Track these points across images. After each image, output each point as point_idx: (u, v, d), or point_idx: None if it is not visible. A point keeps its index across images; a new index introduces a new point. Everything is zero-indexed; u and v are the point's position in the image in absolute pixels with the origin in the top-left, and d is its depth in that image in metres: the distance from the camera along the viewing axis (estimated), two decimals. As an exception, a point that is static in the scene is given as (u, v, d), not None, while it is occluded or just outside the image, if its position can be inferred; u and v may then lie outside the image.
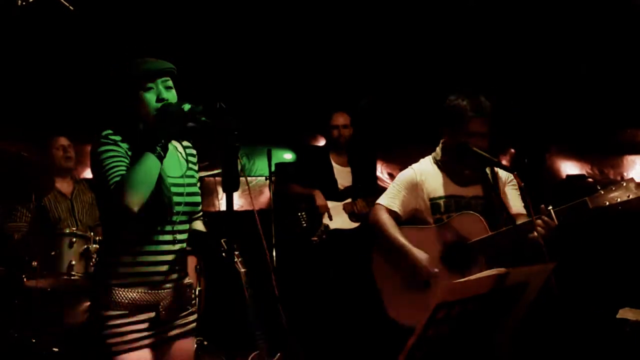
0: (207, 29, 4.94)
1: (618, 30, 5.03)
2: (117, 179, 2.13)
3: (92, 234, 3.98)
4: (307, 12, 5.01)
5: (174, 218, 2.29)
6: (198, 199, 2.42)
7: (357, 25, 5.21)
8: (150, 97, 2.25)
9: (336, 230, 4.64)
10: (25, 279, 3.78)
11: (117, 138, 2.22)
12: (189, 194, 2.36)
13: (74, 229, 3.99)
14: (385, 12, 5.06)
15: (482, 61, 5.39)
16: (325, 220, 4.64)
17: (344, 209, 4.72)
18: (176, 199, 2.29)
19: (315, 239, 4.58)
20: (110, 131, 2.24)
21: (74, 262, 3.83)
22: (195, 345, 2.47)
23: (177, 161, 2.41)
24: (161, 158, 2.17)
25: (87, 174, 6.05)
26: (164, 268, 2.30)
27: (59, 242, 3.86)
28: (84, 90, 5.35)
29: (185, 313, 2.40)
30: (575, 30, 5.11)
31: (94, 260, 3.89)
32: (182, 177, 2.37)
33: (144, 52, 2.33)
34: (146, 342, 2.26)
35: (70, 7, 3.70)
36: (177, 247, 2.33)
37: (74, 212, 4.33)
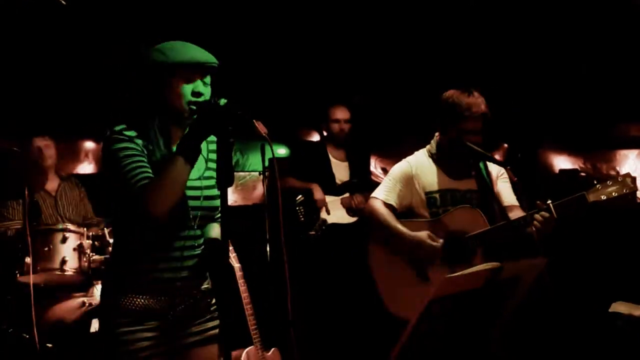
0: (202, 22, 4.92)
1: (613, 27, 5.04)
2: (144, 182, 1.98)
3: (85, 229, 3.97)
4: (302, 6, 4.99)
5: (190, 224, 2.14)
6: (218, 202, 2.16)
7: (352, 20, 5.20)
8: (187, 88, 2.05)
9: (334, 224, 4.63)
10: (18, 275, 3.76)
11: (132, 134, 2.04)
12: (207, 198, 2.17)
13: (67, 224, 3.97)
14: (380, 6, 5.05)
15: (475, 56, 5.40)
16: (323, 214, 4.64)
17: (341, 203, 4.71)
18: (192, 203, 2.12)
19: (313, 233, 4.58)
20: (123, 126, 2.05)
21: (67, 258, 3.82)
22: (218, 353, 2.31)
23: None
24: (193, 162, 2.00)
25: (76, 169, 6.05)
26: (179, 275, 2.14)
27: (52, 237, 3.85)
28: (69, 88, 5.34)
29: (202, 320, 2.25)
30: (568, 27, 5.12)
31: (87, 255, 3.88)
32: (199, 179, 2.15)
33: (137, 45, 2.21)
34: (158, 350, 2.12)
35: (63, 1, 3.68)
36: (192, 253, 2.17)
37: (58, 209, 4.33)
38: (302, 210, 4.67)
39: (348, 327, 4.51)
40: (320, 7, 5.02)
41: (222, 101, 1.97)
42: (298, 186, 4.69)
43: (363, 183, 4.78)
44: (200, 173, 2.18)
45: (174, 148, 2.11)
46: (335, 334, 4.53)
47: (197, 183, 2.14)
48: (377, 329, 3.31)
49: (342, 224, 4.66)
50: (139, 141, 2.05)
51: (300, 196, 4.68)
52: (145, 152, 2.05)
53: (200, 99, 2.07)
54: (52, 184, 4.41)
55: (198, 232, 2.19)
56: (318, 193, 4.62)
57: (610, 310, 3.48)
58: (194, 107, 2.05)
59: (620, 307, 3.47)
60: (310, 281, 4.61)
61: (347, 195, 4.73)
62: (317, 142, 5.27)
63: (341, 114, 4.76)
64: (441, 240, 3.05)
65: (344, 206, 4.71)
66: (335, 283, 4.58)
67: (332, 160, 4.80)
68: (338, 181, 4.76)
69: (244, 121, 1.93)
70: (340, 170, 4.80)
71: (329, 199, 4.67)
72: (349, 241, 4.54)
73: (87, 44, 5.00)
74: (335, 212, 4.67)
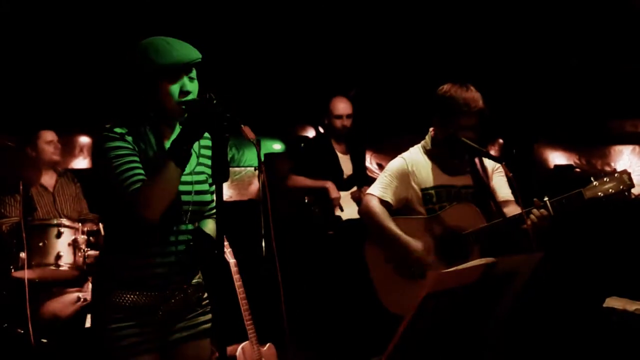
0: (200, 19, 4.91)
1: (609, 24, 5.05)
2: (137, 184, 2.00)
3: (80, 224, 3.96)
4: (298, 3, 4.99)
5: (181, 219, 2.15)
6: (208, 197, 2.24)
7: (348, 15, 5.19)
8: (175, 88, 2.06)
9: (349, 220, 4.50)
10: (12, 270, 3.75)
11: (123, 130, 2.05)
12: (198, 193, 2.18)
13: (62, 219, 3.96)
14: (376, 2, 5.05)
15: (471, 51, 5.40)
16: (337, 211, 4.53)
17: (351, 197, 4.60)
18: (183, 198, 2.13)
19: (332, 232, 4.47)
20: (115, 123, 2.06)
21: (62, 253, 3.81)
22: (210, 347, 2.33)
23: None
24: (185, 165, 2.02)
25: (71, 164, 6.04)
26: (170, 270, 2.15)
27: (46, 233, 3.83)
28: (67, 82, 5.33)
29: (193, 314, 2.26)
30: (563, 22, 5.13)
31: (82, 250, 3.87)
32: (190, 174, 2.16)
33: (131, 41, 2.20)
34: (149, 346, 2.13)
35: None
36: (184, 247, 2.17)
37: (56, 205, 4.31)
38: (317, 210, 4.57)
39: (345, 322, 4.49)
40: (317, 3, 5.02)
41: (212, 100, 1.97)
42: (311, 185, 4.57)
43: (365, 176, 4.70)
44: (192, 168, 2.19)
45: (166, 144, 2.12)
46: (332, 328, 4.52)
47: (188, 178, 2.15)
48: (374, 324, 3.31)
49: (355, 220, 4.57)
50: (130, 138, 2.06)
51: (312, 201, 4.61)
52: (137, 149, 2.06)
53: (189, 97, 2.08)
54: (49, 180, 4.38)
55: (190, 226, 2.20)
56: (334, 192, 4.50)
57: (604, 305, 3.48)
58: (184, 107, 2.05)
59: (614, 303, 3.47)
60: (327, 279, 4.51)
61: (355, 189, 4.64)
62: (321, 137, 5.18)
63: (344, 109, 4.64)
64: (433, 258, 3.04)
65: (353, 200, 4.59)
66: (352, 279, 4.50)
67: (337, 154, 4.71)
68: (344, 175, 4.66)
69: (232, 124, 1.94)
70: (345, 164, 4.70)
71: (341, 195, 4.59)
72: (362, 236, 4.48)
73: (81, 39, 4.99)
74: (348, 208, 4.56)
